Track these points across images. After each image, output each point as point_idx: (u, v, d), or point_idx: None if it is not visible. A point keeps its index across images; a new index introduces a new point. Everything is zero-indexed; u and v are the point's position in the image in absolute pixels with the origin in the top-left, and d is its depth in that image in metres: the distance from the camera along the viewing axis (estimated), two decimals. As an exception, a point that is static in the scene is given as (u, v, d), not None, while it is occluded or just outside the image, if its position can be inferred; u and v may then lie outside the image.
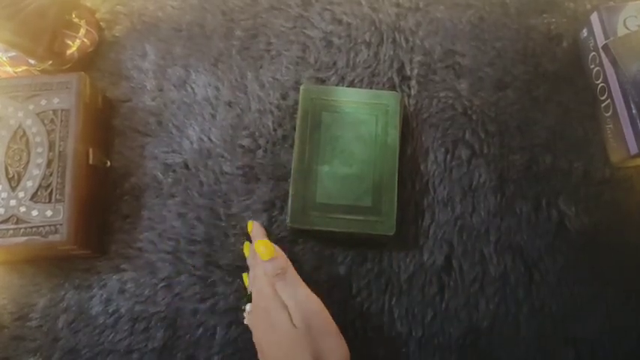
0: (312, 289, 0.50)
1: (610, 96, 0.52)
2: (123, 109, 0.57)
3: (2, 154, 0.49)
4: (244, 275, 0.49)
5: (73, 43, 0.56)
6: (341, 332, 0.41)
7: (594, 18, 0.54)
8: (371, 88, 0.57)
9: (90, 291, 0.51)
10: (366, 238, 0.49)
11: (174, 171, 0.54)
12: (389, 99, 0.51)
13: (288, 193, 0.50)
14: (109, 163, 0.54)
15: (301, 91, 0.52)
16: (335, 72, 0.57)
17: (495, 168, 0.53)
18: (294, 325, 0.39)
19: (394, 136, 0.50)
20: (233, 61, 0.58)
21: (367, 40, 0.59)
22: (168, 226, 0.53)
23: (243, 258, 0.51)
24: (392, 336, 0.49)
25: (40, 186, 0.48)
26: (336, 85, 0.57)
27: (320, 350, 0.38)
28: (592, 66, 0.55)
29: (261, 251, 0.43)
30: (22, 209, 0.47)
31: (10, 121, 0.50)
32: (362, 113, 0.51)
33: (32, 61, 0.54)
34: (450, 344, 0.48)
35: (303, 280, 0.51)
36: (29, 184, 0.48)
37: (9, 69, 0.55)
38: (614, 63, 0.50)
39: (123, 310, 0.50)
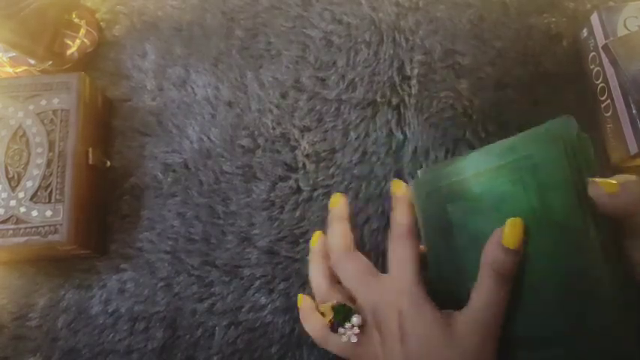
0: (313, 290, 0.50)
1: (610, 96, 0.52)
2: (123, 109, 0.57)
3: (2, 154, 0.49)
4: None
5: (73, 43, 0.56)
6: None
7: (594, 18, 0.54)
8: (371, 86, 0.56)
9: (90, 291, 0.51)
10: None
11: (174, 171, 0.54)
12: (528, 146, 0.30)
13: (287, 192, 0.50)
14: (108, 163, 0.54)
15: (413, 188, 0.36)
16: (335, 71, 0.57)
17: (495, 168, 0.53)
18: None
19: (560, 201, 0.29)
20: (233, 60, 0.58)
21: (367, 39, 0.59)
22: (168, 226, 0.53)
23: (239, 258, 0.51)
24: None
25: (39, 186, 0.48)
26: (337, 83, 0.56)
27: None
28: (592, 66, 0.55)
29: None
30: (22, 209, 0.47)
31: (10, 121, 0.50)
32: (498, 185, 0.31)
33: (32, 61, 0.54)
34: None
35: (304, 281, 0.51)
36: (29, 184, 0.48)
37: (9, 69, 0.55)
38: (614, 63, 0.50)
39: (122, 310, 0.50)
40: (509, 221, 0.30)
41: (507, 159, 0.31)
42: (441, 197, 0.34)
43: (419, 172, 0.37)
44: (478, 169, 0.32)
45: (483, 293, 0.30)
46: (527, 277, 0.30)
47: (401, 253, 0.35)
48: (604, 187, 0.27)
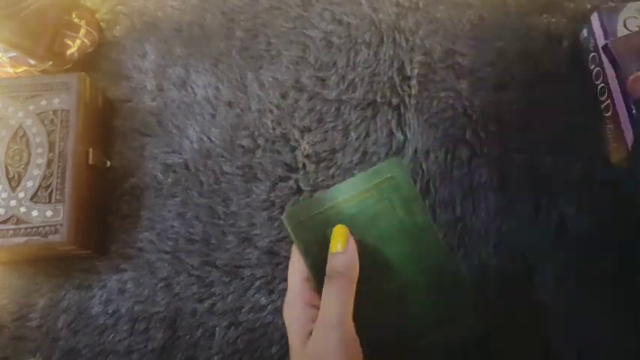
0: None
1: (610, 96, 0.52)
2: (123, 109, 0.57)
3: (2, 154, 0.49)
4: None
5: (73, 43, 0.56)
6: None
7: (594, 18, 0.54)
8: (372, 87, 0.56)
9: (90, 291, 0.51)
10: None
11: (174, 171, 0.54)
12: (390, 168, 0.37)
13: (287, 192, 0.50)
14: (109, 163, 0.54)
15: (285, 220, 0.37)
16: (335, 72, 0.57)
17: (496, 168, 0.53)
18: None
19: (420, 209, 0.37)
20: (233, 61, 0.58)
21: (367, 40, 0.59)
22: (168, 226, 0.53)
23: (240, 258, 0.51)
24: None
25: (40, 186, 0.48)
26: (337, 84, 0.57)
27: None
28: (592, 66, 0.55)
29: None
30: (23, 209, 0.47)
31: (10, 122, 0.50)
32: (371, 205, 0.37)
33: (32, 62, 0.54)
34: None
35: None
36: (29, 184, 0.48)
37: (9, 69, 0.55)
38: (614, 63, 0.50)
39: (123, 311, 0.50)
40: (332, 230, 0.35)
41: (373, 182, 0.37)
42: (318, 224, 0.36)
43: (287, 206, 0.42)
44: (348, 195, 0.36)
45: (326, 297, 0.33)
46: (399, 283, 0.36)
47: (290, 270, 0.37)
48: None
